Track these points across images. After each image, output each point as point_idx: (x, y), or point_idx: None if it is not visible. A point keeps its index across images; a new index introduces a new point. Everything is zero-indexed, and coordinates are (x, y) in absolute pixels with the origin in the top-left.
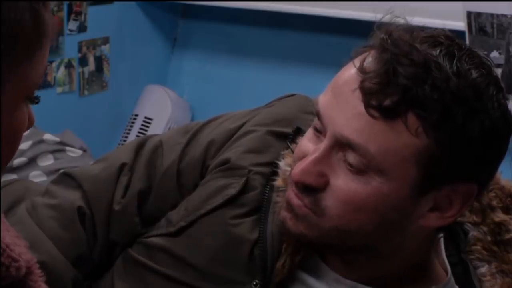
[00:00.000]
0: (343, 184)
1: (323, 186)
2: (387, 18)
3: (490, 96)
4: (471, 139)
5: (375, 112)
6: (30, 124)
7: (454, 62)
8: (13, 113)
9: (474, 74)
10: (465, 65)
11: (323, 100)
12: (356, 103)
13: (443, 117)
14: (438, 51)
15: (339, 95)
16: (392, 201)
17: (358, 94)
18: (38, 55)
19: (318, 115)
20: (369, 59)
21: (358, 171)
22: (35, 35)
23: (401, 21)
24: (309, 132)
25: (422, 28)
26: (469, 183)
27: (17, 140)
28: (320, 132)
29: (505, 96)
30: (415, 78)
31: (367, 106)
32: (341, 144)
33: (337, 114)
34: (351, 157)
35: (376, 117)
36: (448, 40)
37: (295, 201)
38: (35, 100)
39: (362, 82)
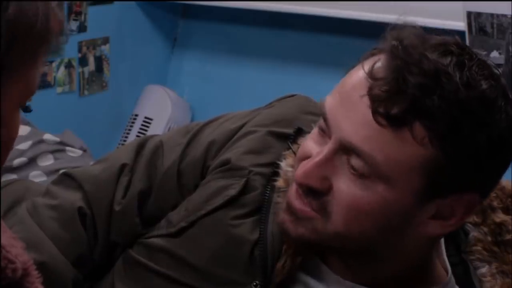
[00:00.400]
0: (346, 188)
1: (327, 189)
2: (397, 21)
3: (498, 107)
4: (478, 151)
5: (382, 120)
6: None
7: (464, 72)
8: (13, 113)
9: (484, 85)
10: (475, 75)
11: (330, 102)
12: (363, 110)
13: (450, 129)
14: (448, 60)
15: (347, 100)
16: (395, 208)
17: (366, 101)
18: (43, 53)
19: (324, 117)
20: (379, 65)
21: (362, 176)
22: (45, 32)
23: (411, 24)
24: (314, 132)
25: (431, 30)
26: (472, 193)
27: (10, 145)
28: (324, 132)
29: None
30: (424, 88)
31: (375, 113)
32: (345, 149)
33: (343, 119)
34: (355, 162)
35: (383, 125)
36: (459, 48)
37: (297, 203)
38: (28, 109)
39: (370, 88)
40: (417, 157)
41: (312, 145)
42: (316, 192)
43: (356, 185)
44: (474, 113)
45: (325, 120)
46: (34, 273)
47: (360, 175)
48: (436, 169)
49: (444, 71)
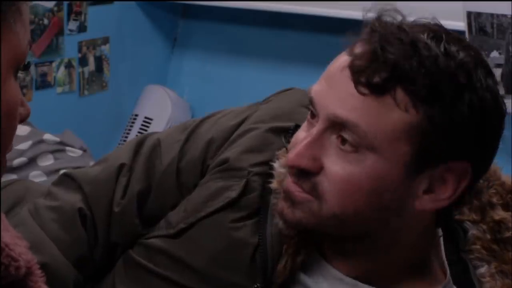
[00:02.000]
0: (337, 166)
1: (318, 169)
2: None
3: (478, 76)
4: (461, 116)
5: (364, 89)
6: (27, 113)
7: (442, 43)
8: (8, 75)
9: (462, 54)
10: (453, 47)
11: (316, 87)
12: (346, 83)
13: (431, 92)
14: (426, 34)
15: (331, 80)
16: (387, 181)
17: (347, 74)
18: (18, 20)
19: (311, 101)
20: (359, 43)
21: (351, 151)
22: None
23: (391, 16)
24: (304, 124)
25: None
26: (463, 162)
27: (13, 120)
28: (313, 117)
29: (495, 81)
30: (403, 54)
31: (356, 83)
32: (334, 125)
33: (329, 97)
34: (344, 136)
35: (365, 94)
36: (436, 26)
37: (293, 187)
38: (27, 67)
39: (351, 61)
40: (401, 124)
41: (302, 133)
42: (308, 173)
43: (346, 161)
44: (454, 78)
45: (312, 103)
46: (38, 272)
47: (350, 151)
48: (421, 136)
49: (422, 41)
